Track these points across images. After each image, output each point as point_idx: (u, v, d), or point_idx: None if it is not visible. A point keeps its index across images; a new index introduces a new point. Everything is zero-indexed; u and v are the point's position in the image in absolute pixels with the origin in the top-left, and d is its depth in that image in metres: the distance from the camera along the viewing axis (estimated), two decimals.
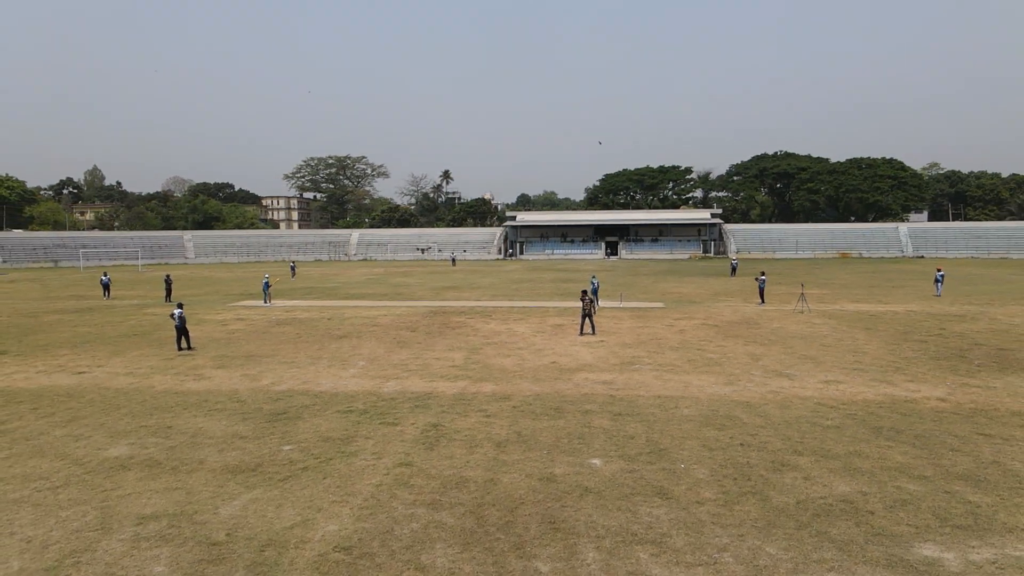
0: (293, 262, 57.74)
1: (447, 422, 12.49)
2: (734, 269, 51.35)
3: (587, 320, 22.03)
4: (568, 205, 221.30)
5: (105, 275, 37.84)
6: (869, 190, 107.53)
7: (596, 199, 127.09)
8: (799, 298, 29.11)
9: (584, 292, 22.77)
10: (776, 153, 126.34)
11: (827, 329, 23.15)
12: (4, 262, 77.24)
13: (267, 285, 33.61)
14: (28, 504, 8.96)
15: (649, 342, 20.86)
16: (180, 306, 20.29)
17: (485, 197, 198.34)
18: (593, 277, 30.95)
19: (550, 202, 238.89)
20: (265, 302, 32.94)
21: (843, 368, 16.83)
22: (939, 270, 34.56)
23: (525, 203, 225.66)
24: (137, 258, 78.93)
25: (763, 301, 30.48)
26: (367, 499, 8.94)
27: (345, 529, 8.05)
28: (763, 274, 32.01)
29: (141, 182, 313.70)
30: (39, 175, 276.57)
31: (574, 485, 9.35)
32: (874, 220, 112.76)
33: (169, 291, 35.15)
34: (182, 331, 19.78)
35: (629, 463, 10.22)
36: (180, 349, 19.75)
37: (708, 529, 7.97)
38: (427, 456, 10.62)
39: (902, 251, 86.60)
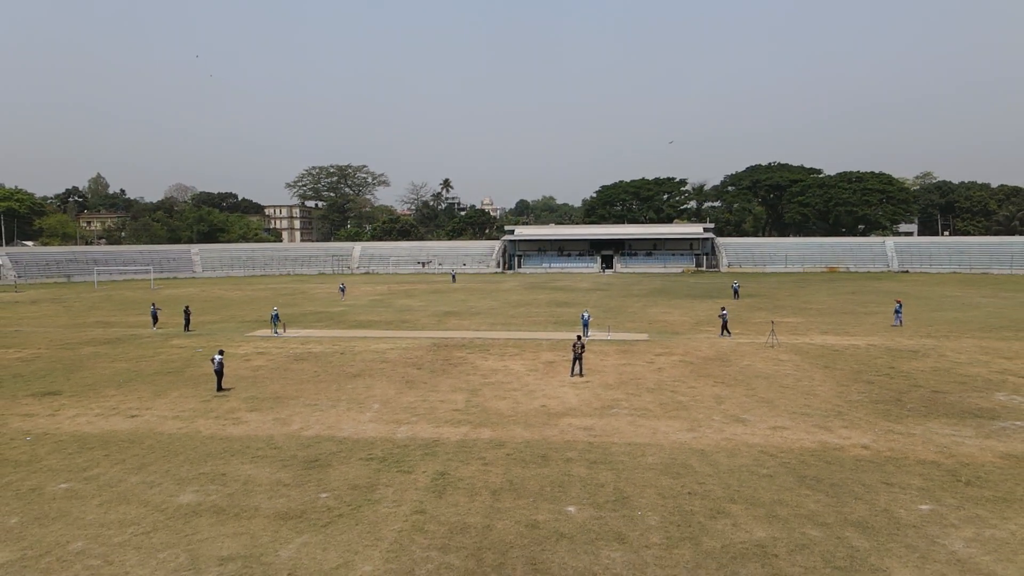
0: (343, 284, 61.15)
1: (452, 470, 15.16)
2: (736, 292, 53.60)
3: (577, 362, 24.69)
4: (566, 210, 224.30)
5: (154, 305, 40.83)
6: (859, 204, 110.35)
7: (593, 210, 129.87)
8: (770, 332, 31.80)
9: (578, 337, 25.43)
10: (770, 164, 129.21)
11: (790, 367, 25.84)
12: (19, 277, 79.84)
13: (276, 317, 36.38)
14: (131, 547, 11.62)
15: (629, 383, 23.54)
16: (220, 352, 23.12)
17: (484, 203, 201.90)
18: (584, 312, 33.66)
19: (548, 207, 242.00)
20: (274, 332, 35.60)
21: (792, 413, 19.51)
22: (898, 302, 37.40)
23: (524, 209, 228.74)
24: (147, 273, 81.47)
25: (722, 334, 32.99)
26: (392, 543, 11.60)
27: (377, 570, 10.72)
28: (723, 309, 34.62)
29: (144, 189, 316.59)
30: (43, 184, 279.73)
31: (552, 531, 12.01)
32: (864, 232, 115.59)
33: (188, 321, 37.75)
34: (220, 374, 22.51)
35: (597, 511, 12.89)
36: (220, 390, 22.48)
37: (651, 570, 10.63)
38: (437, 504, 13.28)
39: (888, 265, 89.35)
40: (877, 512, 12.63)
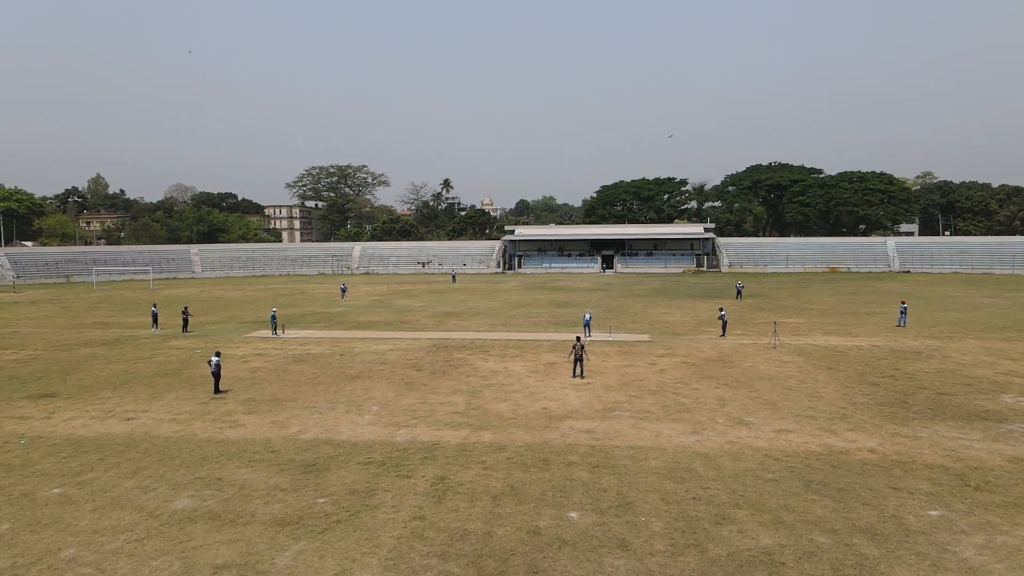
0: (344, 284, 60.57)
1: (452, 474, 14.90)
2: (739, 292, 53.18)
3: (578, 364, 24.42)
4: (566, 210, 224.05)
5: (155, 306, 40.48)
6: (859, 204, 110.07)
7: (593, 210, 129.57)
8: (773, 333, 31.54)
9: (577, 338, 25.21)
10: (770, 164, 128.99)
11: (793, 368, 25.57)
12: (18, 278, 79.57)
13: (274, 318, 36.10)
14: (123, 555, 11.36)
15: (631, 384, 23.28)
16: (217, 354, 22.85)
17: (484, 203, 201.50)
18: (586, 313, 33.40)
19: (548, 207, 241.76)
20: (273, 333, 35.35)
21: (797, 415, 19.25)
22: (903, 303, 37.14)
23: (524, 209, 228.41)
24: (146, 273, 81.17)
25: (724, 334, 32.78)
26: (390, 551, 11.35)
27: None
28: (721, 310, 34.35)
29: (144, 189, 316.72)
30: (43, 184, 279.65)
31: (554, 538, 11.76)
32: (865, 232, 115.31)
33: (186, 322, 37.46)
34: (217, 376, 22.24)
35: (600, 516, 12.63)
36: (217, 392, 22.21)
37: None
38: (436, 509, 13.03)
39: (889, 265, 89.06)
40: (885, 518, 12.38)
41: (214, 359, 22.36)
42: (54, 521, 12.70)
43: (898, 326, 35.40)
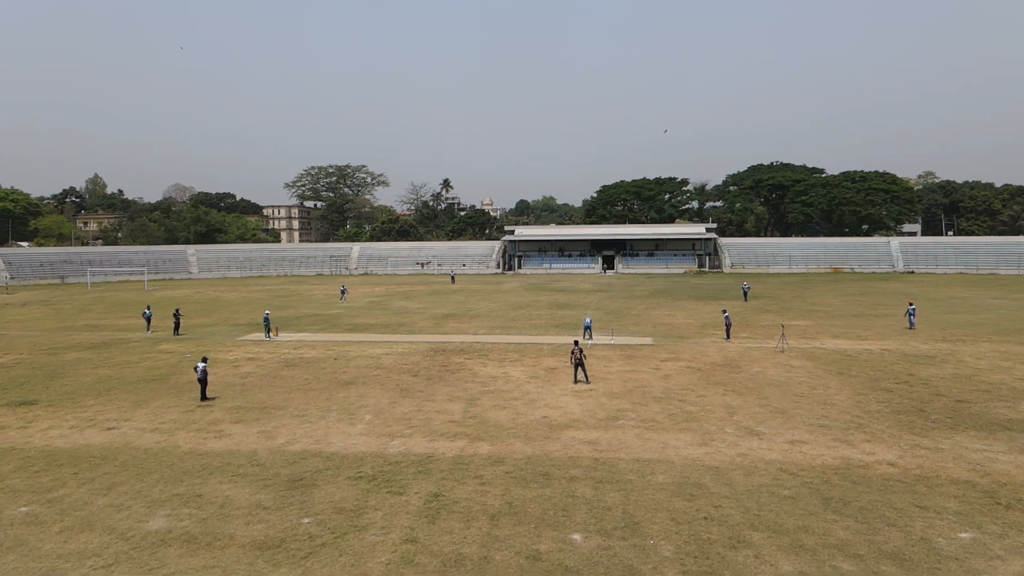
0: (344, 286, 59.19)
1: (447, 490, 13.99)
2: (745, 294, 52.23)
3: (579, 369, 23.52)
4: (567, 210, 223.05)
5: (148, 308, 39.28)
6: (862, 203, 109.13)
7: (594, 210, 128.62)
8: (780, 337, 30.62)
9: (576, 342, 24.31)
10: (772, 164, 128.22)
11: (803, 374, 24.65)
12: (12, 279, 78.67)
13: (267, 320, 35.09)
14: None
15: (635, 391, 22.36)
16: (204, 360, 21.92)
17: (484, 203, 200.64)
18: (587, 317, 32.49)
19: (549, 207, 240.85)
20: (267, 336, 34.42)
21: (810, 424, 18.33)
22: (911, 304, 36.21)
23: (524, 209, 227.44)
24: (142, 274, 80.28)
25: (728, 337, 31.88)
26: None
27: None
28: (725, 311, 33.44)
29: (143, 189, 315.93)
30: (41, 184, 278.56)
31: (556, 564, 10.84)
32: (868, 232, 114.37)
33: (177, 324, 36.53)
34: (203, 383, 21.32)
35: (605, 539, 11.72)
36: (204, 399, 21.28)
37: None
38: (429, 531, 12.11)
39: (893, 265, 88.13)
40: (913, 541, 11.46)
41: (200, 365, 21.44)
42: (17, 544, 11.80)
43: (910, 328, 34.46)
